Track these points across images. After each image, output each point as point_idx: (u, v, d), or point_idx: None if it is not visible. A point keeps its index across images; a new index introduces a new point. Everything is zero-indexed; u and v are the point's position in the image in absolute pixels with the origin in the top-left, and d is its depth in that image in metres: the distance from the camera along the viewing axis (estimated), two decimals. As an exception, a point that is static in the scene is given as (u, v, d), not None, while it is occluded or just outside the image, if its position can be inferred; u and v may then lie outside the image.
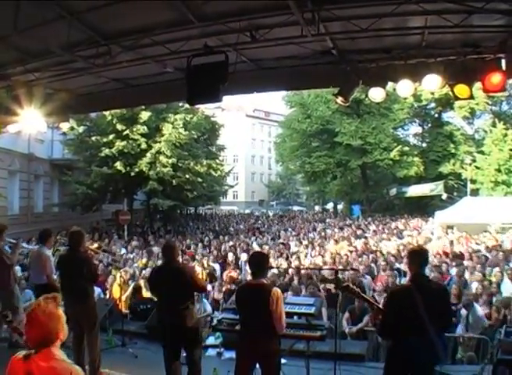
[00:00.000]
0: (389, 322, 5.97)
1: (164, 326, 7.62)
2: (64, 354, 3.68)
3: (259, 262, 6.64)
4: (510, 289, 12.47)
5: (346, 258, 17.98)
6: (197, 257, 18.91)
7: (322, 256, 18.95)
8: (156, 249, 21.06)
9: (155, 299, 9.09)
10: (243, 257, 18.09)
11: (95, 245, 11.93)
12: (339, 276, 10.14)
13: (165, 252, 8.01)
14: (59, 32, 8.25)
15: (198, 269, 15.76)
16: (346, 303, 11.43)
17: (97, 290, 12.00)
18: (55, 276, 10.05)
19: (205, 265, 16.98)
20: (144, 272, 15.21)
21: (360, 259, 17.75)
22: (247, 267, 8.83)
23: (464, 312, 11.02)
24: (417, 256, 6.20)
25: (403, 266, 15.52)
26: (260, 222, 44.52)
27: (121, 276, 13.03)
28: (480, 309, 11.13)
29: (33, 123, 11.27)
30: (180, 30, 8.45)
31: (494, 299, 11.64)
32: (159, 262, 15.83)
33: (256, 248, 21.62)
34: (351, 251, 19.96)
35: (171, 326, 7.45)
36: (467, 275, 14.56)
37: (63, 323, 3.69)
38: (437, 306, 5.75)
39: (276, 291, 6.29)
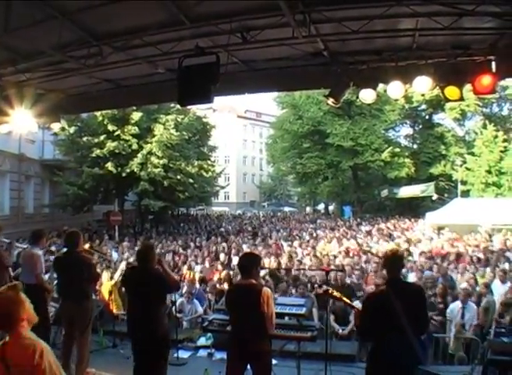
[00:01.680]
0: (366, 324, 6.03)
1: (131, 334, 7.35)
2: (33, 334, 3.97)
3: (249, 263, 6.65)
4: (499, 290, 12.53)
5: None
6: (189, 258, 18.97)
7: (314, 257, 18.97)
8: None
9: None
10: (235, 259, 18.15)
11: (87, 245, 11.86)
12: (329, 276, 10.08)
13: (138, 255, 7.61)
14: (50, 32, 8.24)
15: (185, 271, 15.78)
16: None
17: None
18: (46, 277, 10.02)
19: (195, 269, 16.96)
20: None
21: (351, 260, 17.80)
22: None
23: (456, 309, 11.13)
24: (393, 260, 6.22)
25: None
26: (253, 223, 44.40)
27: (111, 277, 12.99)
28: (474, 306, 11.25)
29: (24, 124, 11.24)
30: (172, 31, 8.45)
31: (484, 300, 11.70)
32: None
33: (246, 249, 21.61)
34: (340, 252, 20.08)
35: (140, 336, 7.12)
36: (456, 275, 14.65)
37: (25, 306, 3.97)
38: (414, 308, 5.77)
39: (266, 290, 6.33)
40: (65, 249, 9.52)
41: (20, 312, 3.90)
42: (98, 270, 10.46)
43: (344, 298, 6.70)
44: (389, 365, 5.74)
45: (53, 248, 18.91)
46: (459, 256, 18.30)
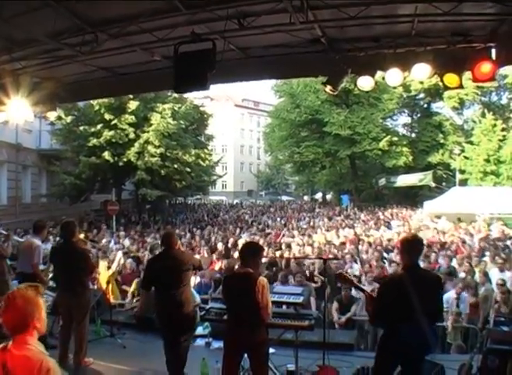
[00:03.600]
0: (380, 310, 5.97)
1: (162, 314, 7.80)
2: (41, 344, 3.65)
3: (247, 252, 6.64)
4: (497, 278, 12.52)
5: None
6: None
7: (311, 246, 18.96)
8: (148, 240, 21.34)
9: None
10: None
11: (82, 235, 11.83)
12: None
13: (163, 240, 8.21)
14: (45, 20, 8.15)
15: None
16: (333, 293, 11.50)
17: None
18: (42, 267, 10.00)
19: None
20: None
21: (348, 248, 17.81)
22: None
23: (451, 298, 11.16)
24: (410, 245, 6.17)
25: (393, 256, 15.62)
26: (249, 212, 44.42)
27: (108, 267, 12.95)
28: (467, 296, 11.26)
29: (20, 113, 11.14)
30: (167, 17, 8.34)
31: (483, 289, 11.70)
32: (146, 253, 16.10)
33: (245, 238, 21.62)
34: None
35: (168, 314, 7.64)
36: (455, 264, 14.65)
37: (41, 312, 3.66)
38: (429, 295, 5.74)
39: (262, 279, 6.29)
40: (61, 239, 9.54)
41: (35, 317, 3.60)
42: (94, 260, 10.47)
43: (356, 283, 6.69)
44: (401, 355, 5.73)
45: (50, 238, 18.85)
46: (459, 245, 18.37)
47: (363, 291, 6.63)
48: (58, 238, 16.74)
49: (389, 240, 20.18)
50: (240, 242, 18.51)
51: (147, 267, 8.47)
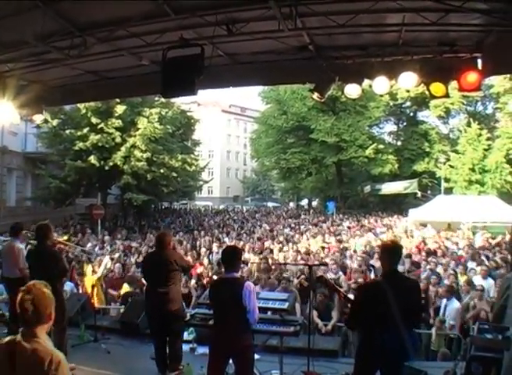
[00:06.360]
0: (356, 315, 6.04)
1: (149, 310, 8.40)
2: (49, 338, 3.74)
3: (231, 256, 6.65)
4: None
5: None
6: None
7: (298, 252, 18.98)
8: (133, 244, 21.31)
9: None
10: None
11: (65, 237, 11.77)
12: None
13: (156, 240, 8.86)
14: (34, 22, 8.09)
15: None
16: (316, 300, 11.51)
17: (70, 285, 11.88)
18: (27, 270, 9.96)
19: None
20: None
21: (333, 255, 17.83)
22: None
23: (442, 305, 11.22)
24: (390, 251, 6.19)
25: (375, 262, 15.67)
26: (236, 218, 44.39)
27: (93, 271, 12.90)
28: (457, 304, 11.31)
29: (6, 115, 11.08)
30: (156, 22, 8.33)
31: (467, 297, 11.76)
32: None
33: (229, 243, 21.62)
34: (324, 248, 20.17)
35: (155, 311, 8.17)
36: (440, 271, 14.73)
37: (53, 309, 3.75)
38: (408, 302, 5.75)
39: (249, 284, 6.33)
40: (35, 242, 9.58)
41: (51, 311, 3.73)
42: (76, 264, 10.43)
43: (336, 286, 6.72)
44: (379, 360, 5.73)
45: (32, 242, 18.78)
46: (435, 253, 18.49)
47: (340, 293, 6.68)
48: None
49: (373, 246, 20.24)
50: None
51: (142, 265, 9.37)
